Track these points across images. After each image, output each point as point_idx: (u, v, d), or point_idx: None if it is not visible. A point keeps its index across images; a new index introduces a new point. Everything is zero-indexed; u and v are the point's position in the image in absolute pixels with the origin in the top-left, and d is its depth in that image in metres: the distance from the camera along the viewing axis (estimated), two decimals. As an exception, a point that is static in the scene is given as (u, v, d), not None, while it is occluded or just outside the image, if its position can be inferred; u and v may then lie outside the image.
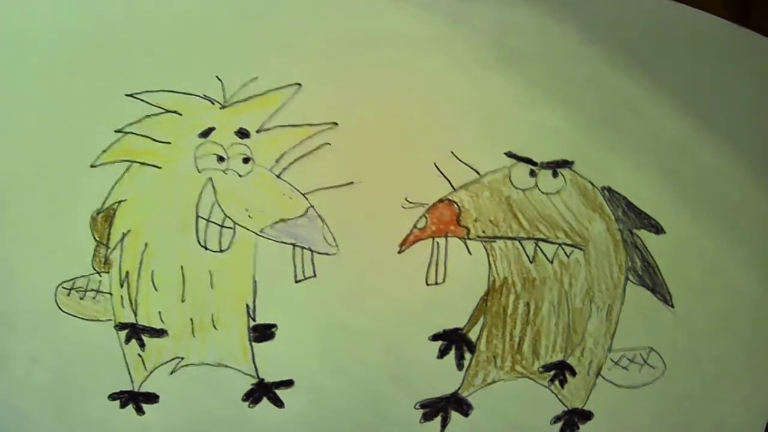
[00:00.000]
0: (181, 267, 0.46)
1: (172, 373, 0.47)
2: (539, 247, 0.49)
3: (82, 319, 0.47)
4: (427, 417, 0.49)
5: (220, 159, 0.47)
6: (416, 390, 0.49)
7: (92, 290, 0.47)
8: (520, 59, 0.50)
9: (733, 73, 0.51)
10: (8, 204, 0.47)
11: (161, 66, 0.48)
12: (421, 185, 0.48)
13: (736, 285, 0.53)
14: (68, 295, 0.47)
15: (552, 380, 0.50)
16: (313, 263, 0.46)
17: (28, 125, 0.47)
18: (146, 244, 0.46)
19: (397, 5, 0.48)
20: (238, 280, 0.46)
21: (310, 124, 0.48)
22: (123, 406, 0.48)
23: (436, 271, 0.48)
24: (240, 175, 0.47)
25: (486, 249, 0.49)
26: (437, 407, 0.49)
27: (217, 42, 0.48)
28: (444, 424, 0.49)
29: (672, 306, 0.52)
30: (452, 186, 0.49)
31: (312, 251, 0.46)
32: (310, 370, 0.48)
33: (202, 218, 0.46)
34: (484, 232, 0.49)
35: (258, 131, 0.47)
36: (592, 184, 0.50)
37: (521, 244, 0.49)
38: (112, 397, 0.48)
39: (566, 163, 0.50)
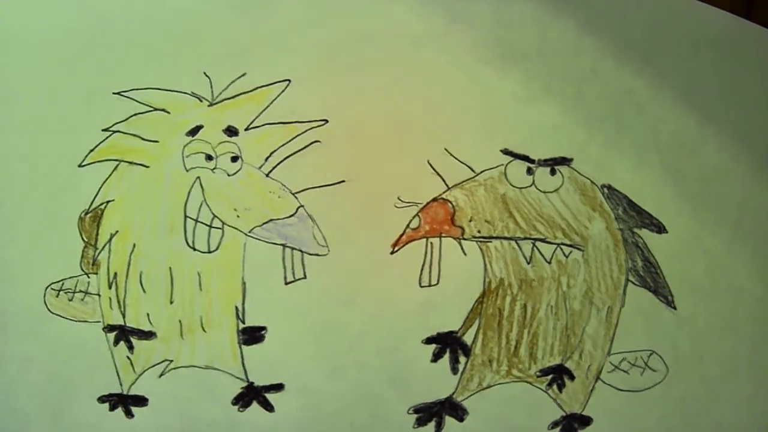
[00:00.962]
0: (170, 268, 0.45)
1: (161, 375, 0.47)
2: (536, 247, 0.48)
3: (71, 320, 0.47)
4: (420, 422, 0.48)
5: (209, 158, 0.46)
6: (410, 393, 0.47)
7: (81, 291, 0.46)
8: (519, 55, 0.49)
9: (736, 68, 0.49)
10: (1, 204, 0.47)
11: (149, 63, 0.47)
12: (415, 184, 0.47)
13: (739, 284, 0.51)
14: (57, 296, 0.46)
15: (550, 384, 0.49)
16: (303, 264, 0.45)
17: (18, 125, 0.46)
18: (134, 245, 0.46)
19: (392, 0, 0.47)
20: (226, 282, 0.45)
21: (300, 122, 0.47)
22: (112, 408, 0.47)
23: (430, 272, 0.46)
24: (228, 174, 0.46)
25: (481, 249, 0.47)
26: (431, 412, 0.48)
27: (206, 38, 0.47)
28: (438, 429, 0.48)
29: (674, 307, 0.50)
30: (446, 184, 0.47)
31: (302, 252, 0.45)
32: (300, 373, 0.46)
33: (191, 218, 0.45)
34: (479, 231, 0.47)
35: (247, 129, 0.46)
36: (591, 181, 0.49)
37: (518, 244, 0.48)
38: (102, 399, 0.47)
39: (564, 161, 0.49)
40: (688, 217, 0.50)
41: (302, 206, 0.46)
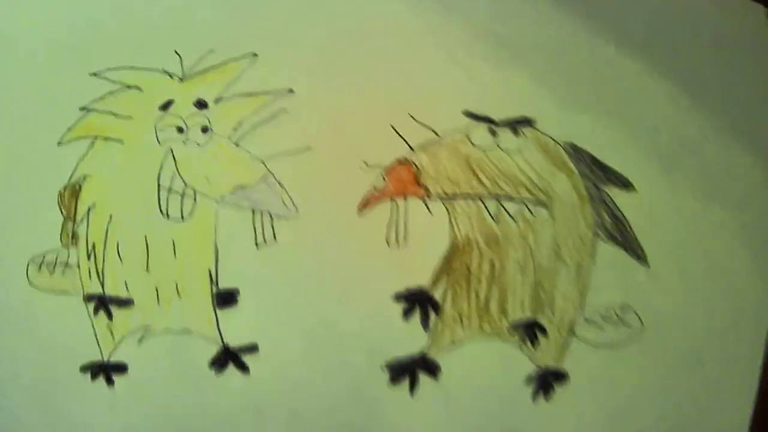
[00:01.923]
0: (145, 237, 0.47)
1: (139, 342, 0.48)
2: (502, 205, 0.49)
3: (53, 293, 0.49)
4: (394, 379, 0.49)
5: (180, 130, 0.48)
6: (382, 352, 0.48)
7: (61, 264, 0.48)
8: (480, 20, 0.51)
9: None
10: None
11: (123, 44, 0.49)
12: (379, 148, 0.48)
13: (712, 242, 0.52)
14: (39, 270, 0.48)
15: (522, 339, 0.50)
16: (273, 227, 0.47)
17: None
18: (111, 217, 0.47)
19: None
20: (199, 248, 0.47)
21: (266, 92, 0.48)
22: (94, 377, 0.49)
23: (397, 232, 0.48)
24: (199, 145, 0.48)
25: (447, 208, 0.49)
26: (405, 369, 0.48)
27: (176, 18, 0.49)
28: (413, 386, 0.49)
29: (647, 263, 0.51)
30: (410, 147, 0.49)
31: (271, 215, 0.47)
32: (274, 333, 0.48)
33: (164, 189, 0.47)
34: (443, 191, 0.48)
35: (216, 101, 0.48)
36: (554, 140, 0.50)
37: (483, 202, 0.49)
38: (83, 369, 0.49)
39: (526, 121, 0.50)
40: (655, 174, 0.51)
41: (270, 173, 0.47)
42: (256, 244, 0.47)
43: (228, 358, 0.48)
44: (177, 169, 0.47)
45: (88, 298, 0.48)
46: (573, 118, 0.51)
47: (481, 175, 0.49)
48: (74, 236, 0.48)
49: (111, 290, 0.48)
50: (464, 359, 0.49)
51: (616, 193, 0.52)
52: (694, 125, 0.53)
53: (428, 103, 0.50)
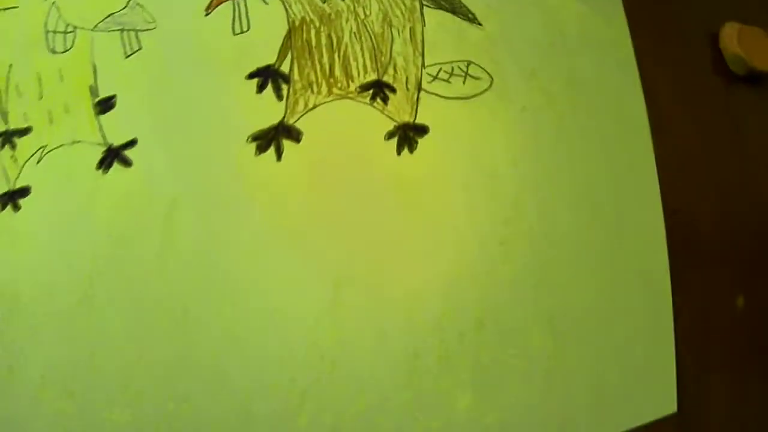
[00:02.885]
0: (38, 73, 0.56)
1: (38, 162, 0.55)
2: (331, -9, 0.57)
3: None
4: (261, 149, 0.53)
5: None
6: (244, 127, 0.53)
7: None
8: None
9: None
10: None
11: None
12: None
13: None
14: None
15: (373, 98, 0.54)
16: (138, 39, 0.55)
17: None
18: (11, 66, 0.57)
19: None
20: (81, 69, 0.55)
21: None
22: (2, 208, 0.55)
23: (240, 21, 0.55)
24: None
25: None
26: (268, 138, 0.53)
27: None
28: (279, 153, 0.53)
29: (479, 23, 0.56)
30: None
31: (136, 30, 0.56)
32: (149, 128, 0.54)
33: (50, 31, 0.57)
34: (277, -12, 0.57)
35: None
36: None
37: (314, -8, 0.57)
38: (-7, 200, 0.55)
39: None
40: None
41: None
42: (126, 56, 0.55)
43: (112, 156, 0.54)
44: (60, 13, 0.57)
45: (-6, 134, 0.56)
46: None
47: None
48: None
49: (13, 124, 0.56)
50: (325, 123, 0.54)
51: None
52: None
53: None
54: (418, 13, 0.56)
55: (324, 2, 0.56)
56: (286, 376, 0.51)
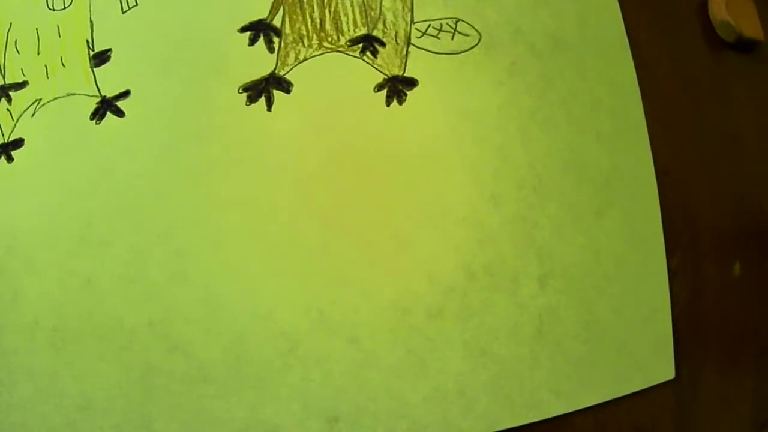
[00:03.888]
0: (36, 29, 0.57)
1: (33, 115, 0.55)
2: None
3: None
4: (251, 99, 0.54)
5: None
6: (235, 79, 0.54)
7: (-27, 70, 0.58)
8: None
9: None
10: None
11: None
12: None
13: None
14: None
15: (363, 51, 0.55)
16: (135, -5, 0.57)
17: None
18: (11, 24, 0.58)
19: None
20: (78, 24, 0.57)
21: None
22: (-3, 160, 0.55)
23: (234, -24, 0.57)
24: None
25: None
26: (259, 89, 0.54)
27: None
28: (269, 103, 0.53)
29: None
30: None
31: (133, -13, 0.57)
32: (142, 80, 0.55)
33: (50, -10, 0.59)
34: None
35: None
36: None
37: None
38: (-14, 153, 0.56)
39: None
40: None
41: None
42: (123, 11, 0.56)
43: (106, 107, 0.54)
44: (60, -27, 0.59)
45: (-9, 88, 0.57)
46: None
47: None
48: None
49: (10, 79, 0.57)
50: (315, 75, 0.55)
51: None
52: None
53: None
54: (408, -29, 0.58)
55: (314, -37, 0.58)
56: (275, 329, 0.51)
